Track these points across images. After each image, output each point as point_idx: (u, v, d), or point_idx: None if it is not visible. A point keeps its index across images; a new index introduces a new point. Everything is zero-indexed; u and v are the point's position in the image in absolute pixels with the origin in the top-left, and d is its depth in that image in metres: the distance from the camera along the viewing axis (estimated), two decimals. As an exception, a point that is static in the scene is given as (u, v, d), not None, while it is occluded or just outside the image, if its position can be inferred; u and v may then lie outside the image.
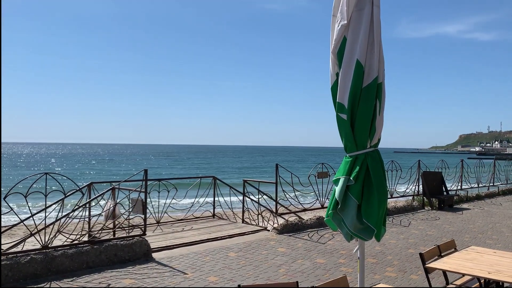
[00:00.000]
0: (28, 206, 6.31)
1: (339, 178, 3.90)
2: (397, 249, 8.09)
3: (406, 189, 14.24)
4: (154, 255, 7.29)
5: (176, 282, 5.88)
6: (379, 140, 3.95)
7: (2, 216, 6.48)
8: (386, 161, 10.33)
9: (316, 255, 7.50)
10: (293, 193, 10.24)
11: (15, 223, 6.69)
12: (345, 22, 3.91)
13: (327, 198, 10.72)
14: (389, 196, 12.66)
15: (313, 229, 9.68)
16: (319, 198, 10.72)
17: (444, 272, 4.89)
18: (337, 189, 3.88)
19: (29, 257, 6.00)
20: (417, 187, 14.28)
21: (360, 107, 3.78)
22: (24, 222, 6.41)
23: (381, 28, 3.87)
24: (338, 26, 3.96)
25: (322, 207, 10.75)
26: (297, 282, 3.37)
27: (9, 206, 6.04)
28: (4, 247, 6.30)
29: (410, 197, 14.12)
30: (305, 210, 10.64)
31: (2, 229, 7.61)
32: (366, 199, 3.81)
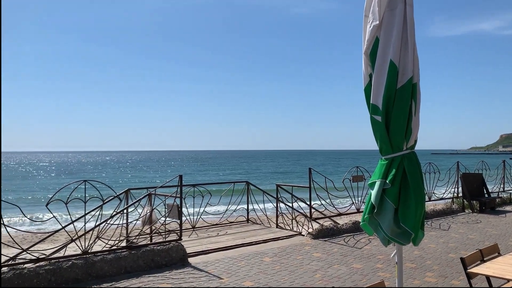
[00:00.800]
0: (69, 213, 6.50)
1: (375, 182, 3.83)
2: (437, 253, 7.84)
3: (445, 191, 13.81)
4: (190, 260, 7.36)
5: (212, 287, 5.91)
6: (415, 141, 3.86)
7: (45, 223, 6.71)
8: (424, 163, 10.06)
9: (353, 260, 7.38)
10: (328, 198, 10.12)
11: (57, 229, 6.93)
12: (377, 22, 3.85)
13: (363, 202, 10.54)
14: (427, 199, 12.32)
15: (349, 234, 9.53)
16: (354, 202, 10.55)
17: (488, 278, 4.69)
18: (373, 192, 3.81)
19: (70, 262, 6.18)
20: (456, 189, 13.83)
21: (395, 108, 3.71)
22: (65, 228, 6.62)
23: (414, 27, 3.79)
24: (370, 26, 3.90)
25: (358, 211, 10.58)
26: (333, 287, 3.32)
27: (51, 213, 6.25)
28: (46, 252, 6.52)
29: (449, 200, 13.69)
30: (340, 214, 10.50)
31: (45, 235, 7.89)
32: (403, 202, 3.72)
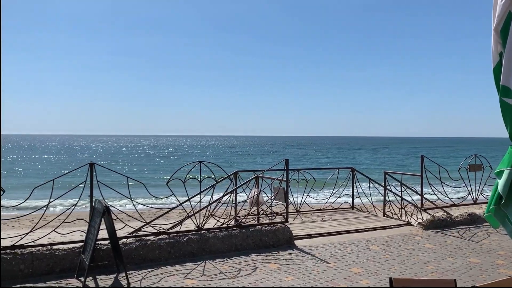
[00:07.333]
0: (186, 191, 6.98)
1: (503, 170, 3.53)
2: None
3: None
4: (296, 242, 7.49)
5: (319, 271, 5.96)
6: (554, 127, 3.46)
7: (160, 200, 7.32)
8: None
9: (469, 254, 6.90)
10: (441, 187, 9.53)
11: (174, 206, 7.51)
12: (511, -5, 3.50)
13: (481, 193, 9.76)
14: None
15: (463, 226, 8.91)
16: (471, 193, 9.80)
17: None
18: (501, 182, 3.52)
19: (187, 237, 6.67)
20: None
21: (530, 90, 3.36)
22: (182, 205, 7.14)
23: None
24: (502, 0, 3.56)
25: (475, 202, 9.82)
26: (455, 280, 3.15)
27: (171, 190, 6.77)
28: (165, 227, 7.10)
29: None
30: (454, 205, 9.84)
31: (162, 212, 8.60)
32: (537, 194, 3.39)
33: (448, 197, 9.65)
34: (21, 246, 5.77)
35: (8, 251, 5.62)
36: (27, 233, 5.97)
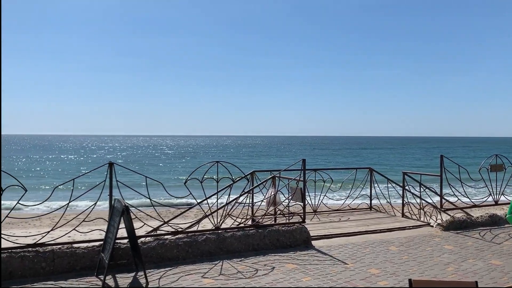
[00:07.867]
0: (204, 191, 7.02)
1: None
2: None
3: None
4: (313, 242, 7.46)
5: (337, 271, 5.92)
6: None
7: (180, 200, 7.36)
8: None
9: (491, 255, 6.77)
10: (461, 188, 9.38)
11: (192, 205, 7.55)
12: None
13: (502, 194, 9.58)
14: None
15: (484, 228, 8.75)
16: (492, 194, 9.63)
17: None
18: (524, 182, 3.44)
19: (204, 236, 6.70)
20: None
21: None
22: (200, 204, 7.18)
23: None
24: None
25: (496, 203, 9.64)
26: (476, 282, 3.09)
27: (189, 190, 6.80)
28: (183, 226, 7.15)
29: None
30: (474, 206, 9.67)
31: (180, 211, 8.66)
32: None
33: (468, 197, 9.49)
34: (42, 244, 5.88)
35: (30, 249, 5.74)
36: (48, 232, 6.09)
